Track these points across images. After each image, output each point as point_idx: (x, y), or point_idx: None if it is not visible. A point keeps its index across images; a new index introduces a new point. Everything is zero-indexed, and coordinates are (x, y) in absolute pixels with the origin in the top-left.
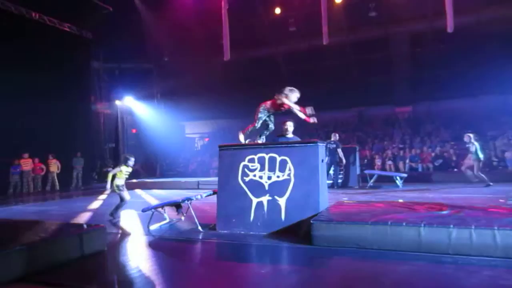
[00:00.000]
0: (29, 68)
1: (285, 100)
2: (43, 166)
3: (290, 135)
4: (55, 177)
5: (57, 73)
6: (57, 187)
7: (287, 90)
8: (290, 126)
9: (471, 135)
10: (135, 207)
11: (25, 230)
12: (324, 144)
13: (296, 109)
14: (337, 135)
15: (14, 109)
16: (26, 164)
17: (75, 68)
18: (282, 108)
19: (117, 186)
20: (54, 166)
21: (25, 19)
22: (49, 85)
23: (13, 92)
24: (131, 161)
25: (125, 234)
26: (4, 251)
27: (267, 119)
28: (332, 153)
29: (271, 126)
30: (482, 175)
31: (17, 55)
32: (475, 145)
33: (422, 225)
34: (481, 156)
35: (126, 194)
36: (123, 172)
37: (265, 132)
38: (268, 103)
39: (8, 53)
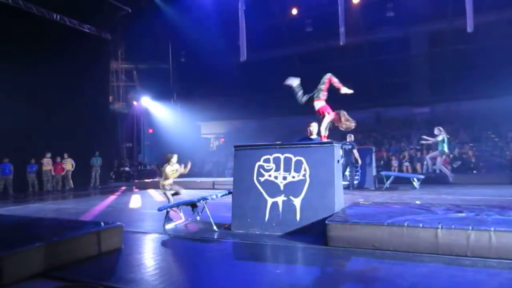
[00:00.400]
0: (49, 68)
1: (328, 117)
2: (64, 166)
3: (314, 136)
4: (69, 176)
5: (76, 73)
6: (71, 185)
7: (347, 116)
8: (315, 127)
9: (442, 128)
10: (151, 206)
11: (45, 227)
12: (340, 145)
13: (324, 127)
14: (352, 136)
15: (33, 109)
16: (48, 163)
17: (94, 68)
18: (321, 114)
19: (163, 186)
20: (69, 165)
21: (46, 21)
22: (68, 85)
23: (31, 92)
24: (174, 158)
25: (141, 233)
26: (25, 248)
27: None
28: (347, 154)
29: (301, 96)
30: (446, 170)
31: (37, 56)
32: (443, 137)
33: (440, 226)
34: (445, 149)
35: (170, 193)
36: (168, 172)
37: (298, 92)
38: (328, 110)
39: (28, 54)
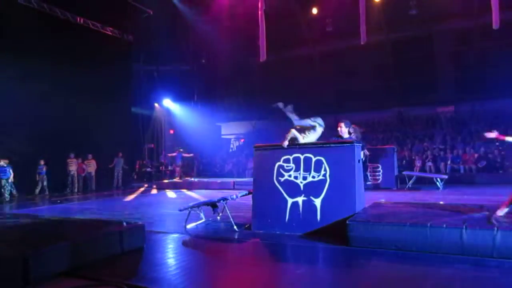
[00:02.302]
0: (73, 70)
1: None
2: (84, 167)
3: (346, 135)
4: (93, 177)
5: (99, 75)
6: (93, 186)
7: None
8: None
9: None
10: (173, 206)
11: (69, 227)
12: (361, 145)
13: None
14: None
15: (56, 110)
16: (72, 164)
17: (116, 70)
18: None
19: None
20: (92, 166)
21: (70, 24)
22: (91, 87)
23: (55, 94)
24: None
25: (162, 233)
26: (51, 247)
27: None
28: None
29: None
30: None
31: (61, 58)
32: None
33: (464, 227)
34: None
35: None
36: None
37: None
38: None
39: (51, 56)
